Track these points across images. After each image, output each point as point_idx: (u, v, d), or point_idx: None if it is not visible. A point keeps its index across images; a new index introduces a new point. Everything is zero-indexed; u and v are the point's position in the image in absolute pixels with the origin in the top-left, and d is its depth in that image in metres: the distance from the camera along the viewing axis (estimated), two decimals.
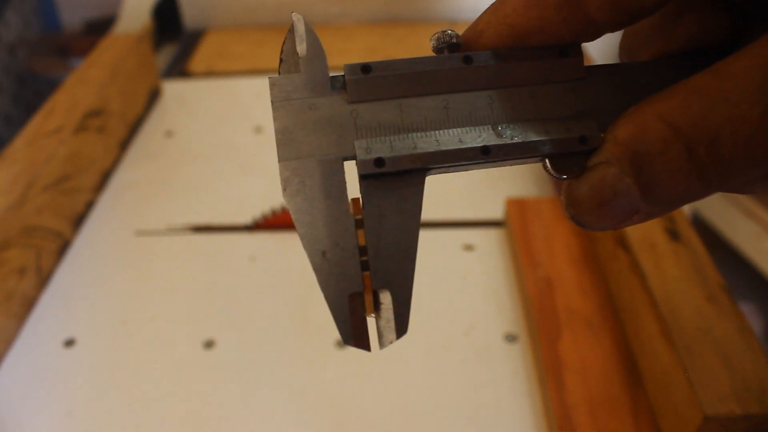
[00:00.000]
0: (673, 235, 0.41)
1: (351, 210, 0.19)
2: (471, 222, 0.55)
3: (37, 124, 0.57)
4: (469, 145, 0.19)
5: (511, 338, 0.44)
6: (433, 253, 0.52)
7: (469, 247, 0.52)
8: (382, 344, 0.19)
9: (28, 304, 0.48)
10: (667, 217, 0.42)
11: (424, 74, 0.20)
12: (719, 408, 0.30)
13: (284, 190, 0.19)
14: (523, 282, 0.46)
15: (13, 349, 0.45)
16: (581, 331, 0.42)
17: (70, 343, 0.45)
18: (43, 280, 0.50)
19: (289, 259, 0.52)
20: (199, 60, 0.83)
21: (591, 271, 0.46)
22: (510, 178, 0.60)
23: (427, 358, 0.43)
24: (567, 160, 0.19)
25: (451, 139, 0.19)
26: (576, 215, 0.19)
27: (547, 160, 0.19)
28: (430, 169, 0.19)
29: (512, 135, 0.19)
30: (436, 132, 0.19)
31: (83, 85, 0.63)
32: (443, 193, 0.57)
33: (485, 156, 0.19)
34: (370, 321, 0.20)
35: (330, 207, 0.19)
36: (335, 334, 0.45)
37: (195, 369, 0.43)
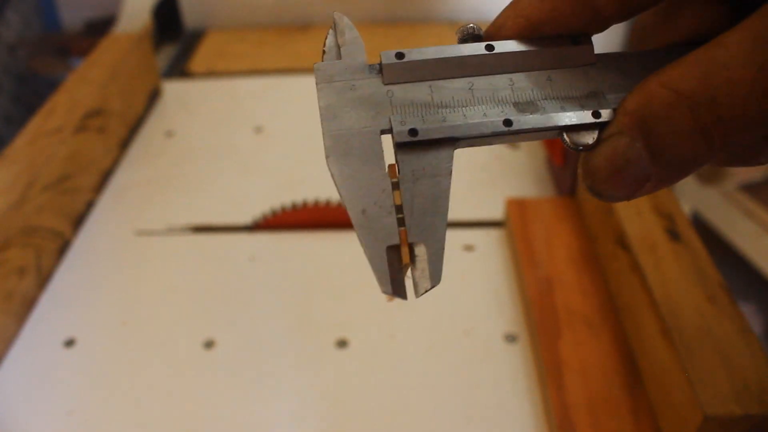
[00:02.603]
0: (673, 235, 0.41)
1: (388, 174, 0.21)
2: (471, 222, 0.55)
3: (37, 124, 0.57)
4: (493, 119, 0.21)
5: (511, 338, 0.44)
6: None
7: (469, 247, 0.52)
8: (417, 292, 0.21)
9: (28, 304, 0.48)
10: (667, 217, 0.42)
11: (451, 60, 0.22)
12: (719, 408, 0.30)
13: (327, 157, 0.21)
14: (523, 282, 0.46)
15: (13, 349, 0.45)
16: (581, 331, 0.42)
17: (70, 343, 0.45)
18: (43, 280, 0.50)
19: (289, 259, 0.52)
20: (199, 60, 0.83)
21: (591, 271, 0.46)
22: (510, 178, 0.60)
23: (426, 358, 0.43)
24: (582, 133, 0.21)
25: (476, 113, 0.21)
26: (592, 185, 0.21)
27: (564, 134, 0.21)
28: (458, 139, 0.21)
29: (531, 111, 0.21)
30: (463, 108, 0.21)
31: (83, 85, 0.63)
32: None
33: (508, 127, 0.21)
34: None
35: (369, 171, 0.21)
36: (335, 334, 0.45)
37: (195, 369, 0.43)
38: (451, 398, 0.41)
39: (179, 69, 0.82)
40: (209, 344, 0.45)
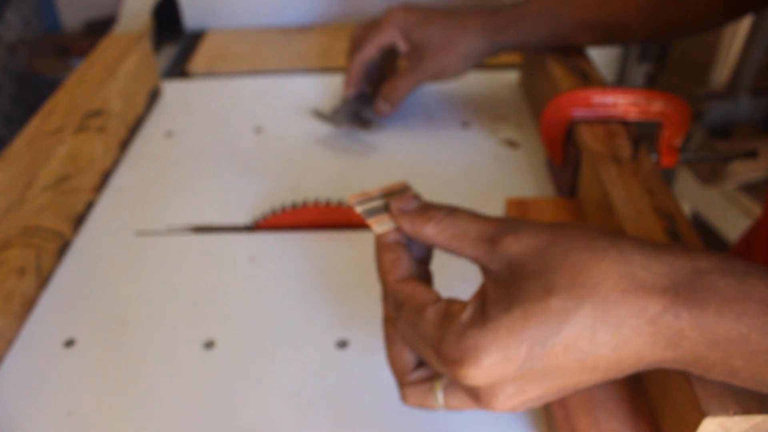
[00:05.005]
0: (673, 235, 0.41)
1: None
2: None
3: (37, 124, 0.57)
4: None
5: None
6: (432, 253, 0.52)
7: None
8: None
9: (28, 304, 0.48)
10: (667, 217, 0.42)
11: None
12: (719, 408, 0.30)
13: None
14: None
15: (13, 349, 0.45)
16: None
17: (70, 343, 0.45)
18: (43, 280, 0.50)
19: (289, 259, 0.52)
20: (199, 60, 0.83)
21: None
22: (510, 178, 0.60)
23: None
24: None
25: None
26: None
27: None
28: None
29: None
30: None
31: (83, 85, 0.63)
32: (443, 194, 0.57)
33: None
34: None
35: None
36: (335, 334, 0.45)
37: (195, 369, 0.43)
38: None
39: (179, 69, 0.82)
40: (209, 344, 0.45)
